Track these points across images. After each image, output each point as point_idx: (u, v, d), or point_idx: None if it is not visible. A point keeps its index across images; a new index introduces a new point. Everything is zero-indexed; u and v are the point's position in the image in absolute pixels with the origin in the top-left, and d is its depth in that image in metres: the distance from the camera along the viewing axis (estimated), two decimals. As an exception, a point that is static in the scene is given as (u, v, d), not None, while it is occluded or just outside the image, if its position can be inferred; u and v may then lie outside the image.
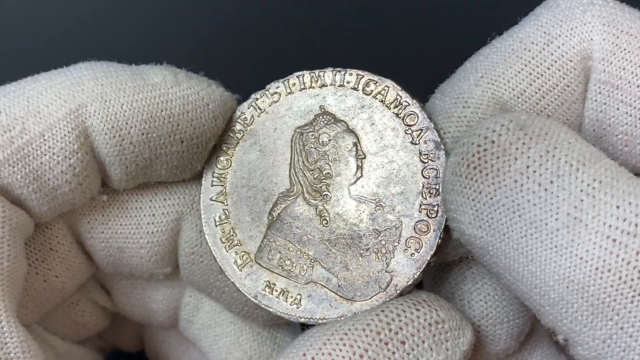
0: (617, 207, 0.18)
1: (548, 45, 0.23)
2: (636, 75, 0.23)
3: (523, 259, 0.19)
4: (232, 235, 0.23)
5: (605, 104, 0.23)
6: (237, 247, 0.23)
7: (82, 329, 0.29)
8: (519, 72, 0.23)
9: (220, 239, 0.23)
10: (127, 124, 0.23)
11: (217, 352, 0.29)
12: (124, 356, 0.36)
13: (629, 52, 0.23)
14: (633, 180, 0.19)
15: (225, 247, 0.23)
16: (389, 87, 0.23)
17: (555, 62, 0.23)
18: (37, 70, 0.24)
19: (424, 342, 0.20)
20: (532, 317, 0.25)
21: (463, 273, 0.24)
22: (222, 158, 0.24)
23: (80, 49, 0.33)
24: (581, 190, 0.18)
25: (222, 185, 0.24)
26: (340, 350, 0.19)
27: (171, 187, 0.26)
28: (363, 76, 0.24)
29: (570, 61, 0.23)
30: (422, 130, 0.23)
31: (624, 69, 0.23)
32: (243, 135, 0.24)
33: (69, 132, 0.22)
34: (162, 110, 0.23)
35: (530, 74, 0.23)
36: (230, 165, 0.24)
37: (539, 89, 0.23)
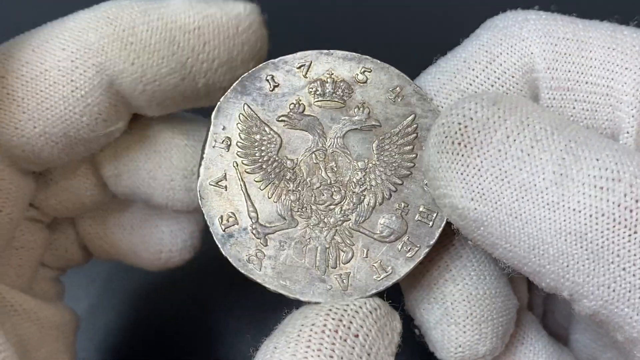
0: (597, 159, 0.20)
1: (491, 63, 0.24)
2: (582, 73, 0.24)
3: (518, 222, 0.20)
4: None
5: (561, 106, 0.24)
6: None
7: (23, 252, 0.28)
8: (466, 91, 0.24)
9: None
10: None
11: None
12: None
13: (570, 54, 0.24)
14: (603, 138, 0.21)
15: None
16: None
17: (499, 78, 0.24)
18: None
19: (371, 330, 0.22)
20: (514, 317, 0.26)
21: (443, 276, 0.25)
22: None
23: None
24: (561, 150, 0.20)
25: None
26: (311, 356, 0.20)
27: None
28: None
29: (513, 77, 0.24)
30: None
31: (569, 71, 0.24)
32: None
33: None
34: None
35: (476, 91, 0.24)
36: None
37: None
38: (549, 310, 0.32)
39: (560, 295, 0.21)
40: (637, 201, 0.19)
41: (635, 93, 0.23)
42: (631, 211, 0.19)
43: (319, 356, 0.20)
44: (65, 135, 0.25)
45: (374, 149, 0.25)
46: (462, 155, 0.21)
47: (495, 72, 0.24)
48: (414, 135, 0.25)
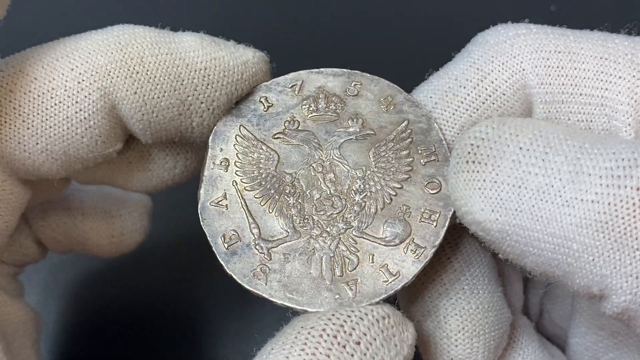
0: (613, 152, 0.20)
1: (482, 81, 0.25)
2: (576, 85, 0.24)
3: (540, 225, 0.21)
4: None
5: (556, 119, 0.25)
6: None
7: None
8: (457, 109, 0.25)
9: None
10: None
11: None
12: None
13: (562, 68, 0.24)
14: (619, 137, 0.21)
15: None
16: None
17: (490, 96, 0.25)
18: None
19: (375, 339, 0.22)
20: (507, 330, 0.27)
21: (437, 290, 0.26)
22: None
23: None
24: (575, 152, 0.20)
25: None
26: (304, 359, 0.21)
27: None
28: None
29: (504, 94, 0.25)
30: None
31: (563, 84, 0.24)
32: None
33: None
34: None
35: (467, 109, 0.25)
36: None
37: (477, 122, 0.25)
38: (545, 310, 0.33)
39: (592, 295, 0.21)
40: None
41: (630, 101, 0.24)
42: None
43: None
44: (65, 154, 0.26)
45: (370, 156, 0.26)
46: (478, 172, 0.22)
47: (486, 89, 0.25)
48: (409, 139, 0.26)
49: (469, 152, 0.22)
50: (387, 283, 0.24)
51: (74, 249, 0.35)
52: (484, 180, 0.22)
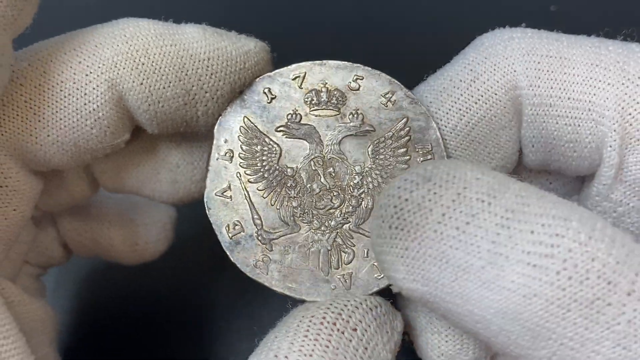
0: (532, 232, 0.19)
1: (474, 81, 0.26)
2: (564, 89, 0.25)
3: (459, 300, 0.20)
4: None
5: (544, 122, 0.26)
6: None
7: (17, 246, 0.30)
8: (450, 109, 0.26)
9: None
10: None
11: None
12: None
13: (552, 71, 0.25)
14: (543, 199, 0.20)
15: None
16: None
17: (482, 96, 0.26)
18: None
19: (369, 326, 0.23)
20: None
21: None
22: None
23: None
24: (496, 224, 0.20)
25: None
26: (308, 344, 0.22)
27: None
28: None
29: (496, 94, 0.26)
30: None
31: (551, 87, 0.25)
32: None
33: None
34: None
35: (460, 109, 0.26)
36: None
37: (469, 122, 0.26)
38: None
39: None
40: (569, 278, 0.19)
41: (617, 108, 0.24)
42: (564, 290, 0.19)
43: (315, 345, 0.22)
44: (75, 145, 0.27)
45: (369, 153, 0.27)
46: (400, 239, 0.21)
47: (478, 90, 0.26)
48: (407, 137, 0.27)
49: (392, 216, 0.21)
50: (379, 278, 0.25)
51: (99, 254, 0.36)
52: (407, 249, 0.21)
